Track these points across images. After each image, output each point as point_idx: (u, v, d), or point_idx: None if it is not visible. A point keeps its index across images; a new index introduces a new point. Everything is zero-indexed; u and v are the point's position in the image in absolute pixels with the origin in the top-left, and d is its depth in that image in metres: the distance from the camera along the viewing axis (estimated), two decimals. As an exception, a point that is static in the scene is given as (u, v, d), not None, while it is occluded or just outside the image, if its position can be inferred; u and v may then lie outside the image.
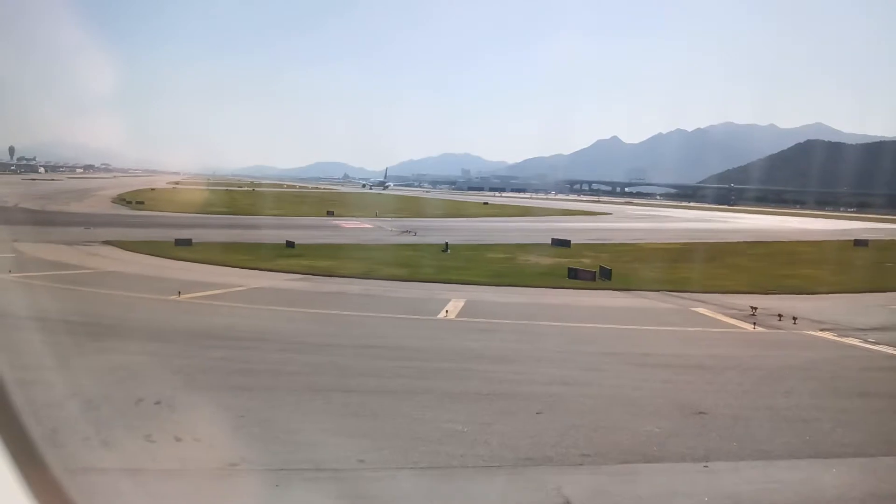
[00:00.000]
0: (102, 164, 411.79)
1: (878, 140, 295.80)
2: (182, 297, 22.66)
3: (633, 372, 15.52)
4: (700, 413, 12.17)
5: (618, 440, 10.63)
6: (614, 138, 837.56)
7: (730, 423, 11.62)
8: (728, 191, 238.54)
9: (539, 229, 63.25)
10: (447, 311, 21.40)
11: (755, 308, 23.69)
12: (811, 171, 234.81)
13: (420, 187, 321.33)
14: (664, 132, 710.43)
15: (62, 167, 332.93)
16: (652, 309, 25.37)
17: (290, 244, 42.68)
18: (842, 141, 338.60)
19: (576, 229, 70.56)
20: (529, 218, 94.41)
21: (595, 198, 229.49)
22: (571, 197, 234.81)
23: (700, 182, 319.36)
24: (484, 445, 9.63)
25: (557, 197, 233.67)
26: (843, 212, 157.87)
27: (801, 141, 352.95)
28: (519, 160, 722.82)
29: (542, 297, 27.59)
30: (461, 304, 23.91)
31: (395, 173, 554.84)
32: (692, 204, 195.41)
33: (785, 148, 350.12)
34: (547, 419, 11.46)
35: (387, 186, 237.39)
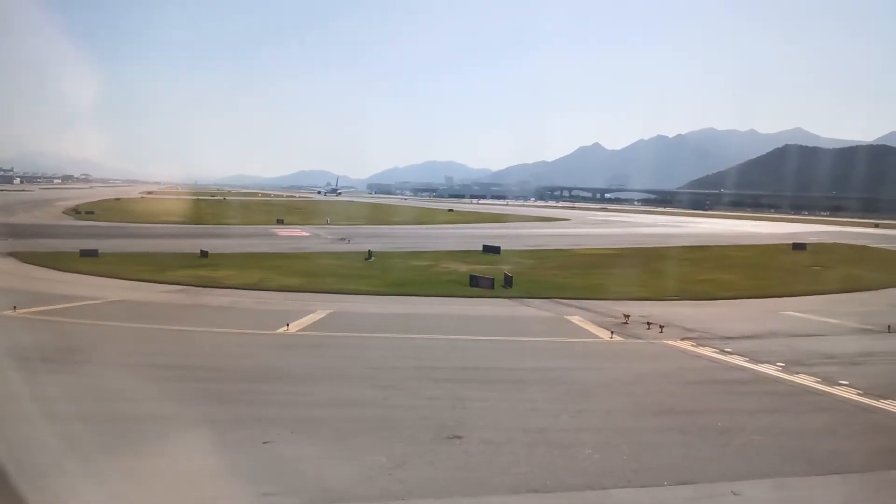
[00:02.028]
0: (82, 175, 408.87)
1: (854, 144, 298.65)
2: (17, 312, 21.30)
3: (429, 389, 14.37)
4: (455, 437, 11.08)
5: (330, 475, 9.58)
6: (596, 145, 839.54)
7: (479, 449, 10.57)
8: (704, 196, 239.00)
9: (483, 235, 62.21)
10: (288, 326, 20.14)
11: (628, 316, 22.69)
12: (788, 175, 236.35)
13: (401, 195, 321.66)
14: (645, 138, 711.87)
15: (40, 178, 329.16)
16: (524, 318, 24.32)
17: (203, 254, 41.31)
18: (819, 145, 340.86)
19: (520, 235, 69.93)
20: (484, 224, 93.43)
21: (571, 204, 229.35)
22: (550, 203, 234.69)
23: (679, 187, 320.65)
24: (162, 487, 8.77)
25: (536, 203, 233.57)
26: (818, 215, 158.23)
27: (780, 146, 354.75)
28: (503, 167, 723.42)
29: (424, 306, 26.45)
30: (321, 315, 22.76)
31: (378, 181, 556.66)
32: (667, 209, 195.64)
33: (764, 153, 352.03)
34: (272, 449, 10.37)
35: (339, 193, 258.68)
